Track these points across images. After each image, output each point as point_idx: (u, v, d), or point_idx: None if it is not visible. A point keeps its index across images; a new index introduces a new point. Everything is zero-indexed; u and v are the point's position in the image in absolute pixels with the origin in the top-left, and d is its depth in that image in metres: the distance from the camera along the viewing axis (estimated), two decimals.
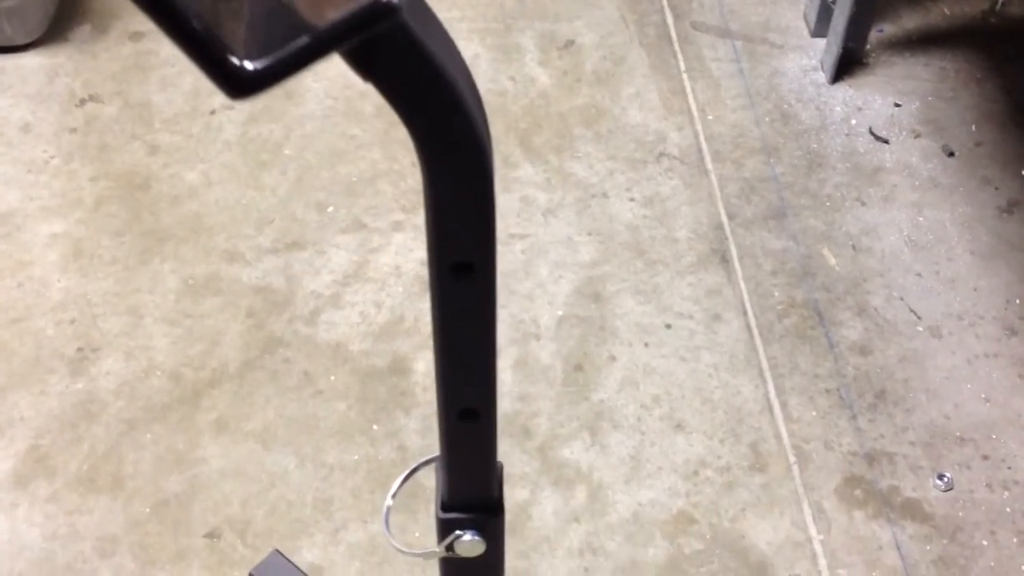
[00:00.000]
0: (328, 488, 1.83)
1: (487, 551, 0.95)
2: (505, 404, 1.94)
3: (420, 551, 0.99)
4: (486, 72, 2.46)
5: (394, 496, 1.03)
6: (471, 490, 0.92)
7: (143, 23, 2.55)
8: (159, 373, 1.96)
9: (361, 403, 1.93)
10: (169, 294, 2.07)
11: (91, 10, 2.57)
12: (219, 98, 2.38)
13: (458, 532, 0.93)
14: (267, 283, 2.09)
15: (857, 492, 1.85)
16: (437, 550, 0.96)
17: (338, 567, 1.73)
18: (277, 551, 1.70)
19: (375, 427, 1.90)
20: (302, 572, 1.67)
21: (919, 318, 2.07)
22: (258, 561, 1.70)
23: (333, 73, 2.43)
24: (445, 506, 0.94)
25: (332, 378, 1.96)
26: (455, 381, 0.82)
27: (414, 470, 1.04)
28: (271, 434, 1.89)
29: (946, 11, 2.63)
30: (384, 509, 1.02)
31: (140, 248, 2.13)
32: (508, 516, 1.86)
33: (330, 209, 2.21)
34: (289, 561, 1.69)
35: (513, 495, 1.83)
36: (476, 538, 0.94)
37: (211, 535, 1.77)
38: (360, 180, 2.26)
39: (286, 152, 2.30)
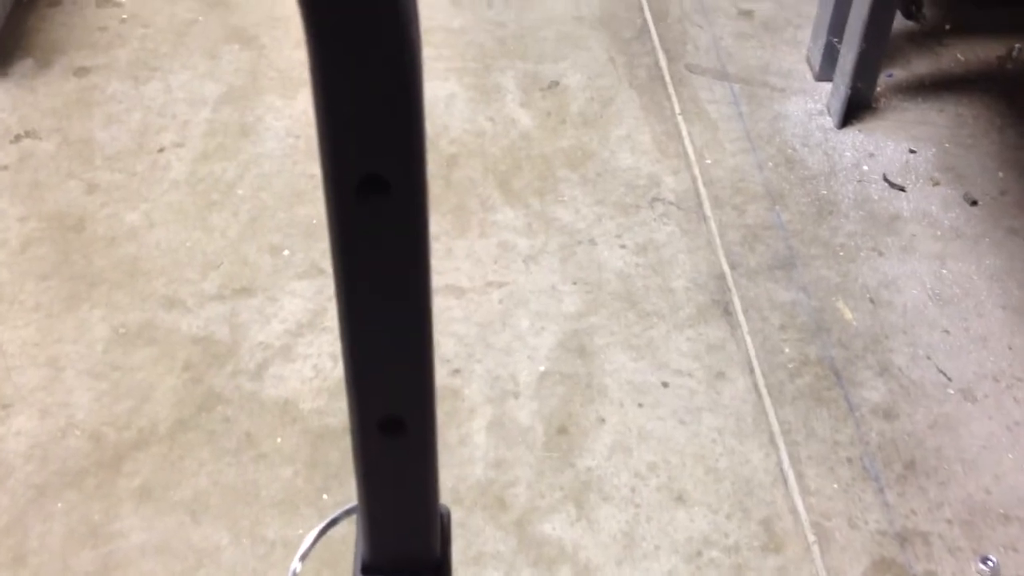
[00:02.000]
0: (266, 569, 1.55)
1: None
2: (477, 471, 1.68)
3: None
4: (463, 112, 2.24)
5: (303, 558, 0.77)
6: (401, 542, 0.66)
7: (89, 58, 2.34)
8: (77, 433, 1.69)
9: (310, 468, 1.67)
10: (96, 344, 1.81)
11: (34, 44, 2.37)
12: (169, 135, 2.16)
13: None
14: (209, 332, 1.84)
15: None
16: None
17: None
18: None
19: (325, 496, 1.63)
20: None
21: (949, 379, 1.83)
22: None
23: (296, 111, 2.22)
24: (367, 567, 0.68)
25: (278, 440, 1.70)
26: (370, 374, 0.57)
27: (333, 521, 0.79)
28: (202, 504, 1.62)
29: (959, 56, 2.44)
30: (290, 572, 0.76)
31: (67, 293, 1.88)
32: None
33: (286, 253, 1.97)
34: None
35: None
36: None
37: None
38: (321, 222, 2.02)
39: (239, 192, 2.06)
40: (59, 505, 1.60)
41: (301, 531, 1.59)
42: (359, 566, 0.69)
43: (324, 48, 0.45)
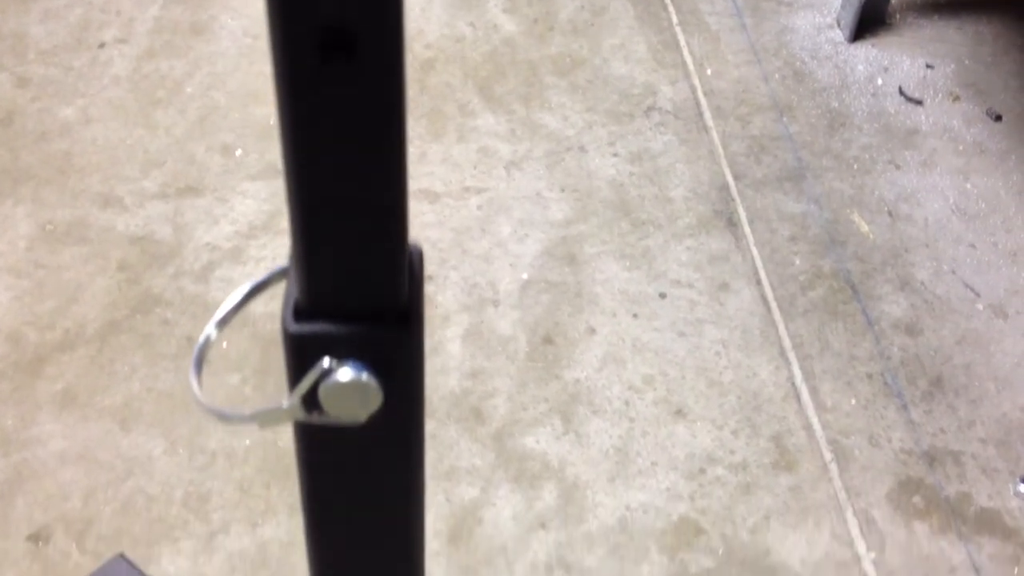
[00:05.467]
0: (206, 480, 1.34)
1: (386, 407, 0.49)
2: (451, 381, 1.48)
3: (251, 411, 0.51)
4: (440, 16, 2.05)
5: (221, 324, 0.56)
6: (350, 274, 0.46)
7: None
8: None
9: (260, 376, 1.46)
10: (19, 241, 1.60)
11: None
12: (111, 31, 1.95)
13: (325, 363, 0.47)
14: (148, 232, 1.63)
15: (916, 499, 1.39)
16: (284, 405, 0.49)
17: None
18: (121, 556, 1.21)
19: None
20: None
21: (977, 295, 1.64)
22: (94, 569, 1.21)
23: (255, 11, 2.01)
24: (300, 310, 0.48)
25: (224, 345, 1.49)
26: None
27: (264, 283, 0.57)
28: (134, 411, 1.41)
29: None
30: (199, 343, 0.55)
31: None
32: (450, 520, 1.39)
33: (238, 152, 1.76)
34: (136, 568, 1.19)
35: (458, 493, 1.35)
36: (361, 376, 0.47)
37: (36, 537, 1.27)
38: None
39: (188, 90, 1.86)
40: None
41: (248, 441, 1.38)
42: (290, 311, 0.48)
43: None
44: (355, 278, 0.47)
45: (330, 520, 0.55)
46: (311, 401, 0.49)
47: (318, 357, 0.48)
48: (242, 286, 0.54)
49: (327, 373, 0.48)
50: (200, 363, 0.55)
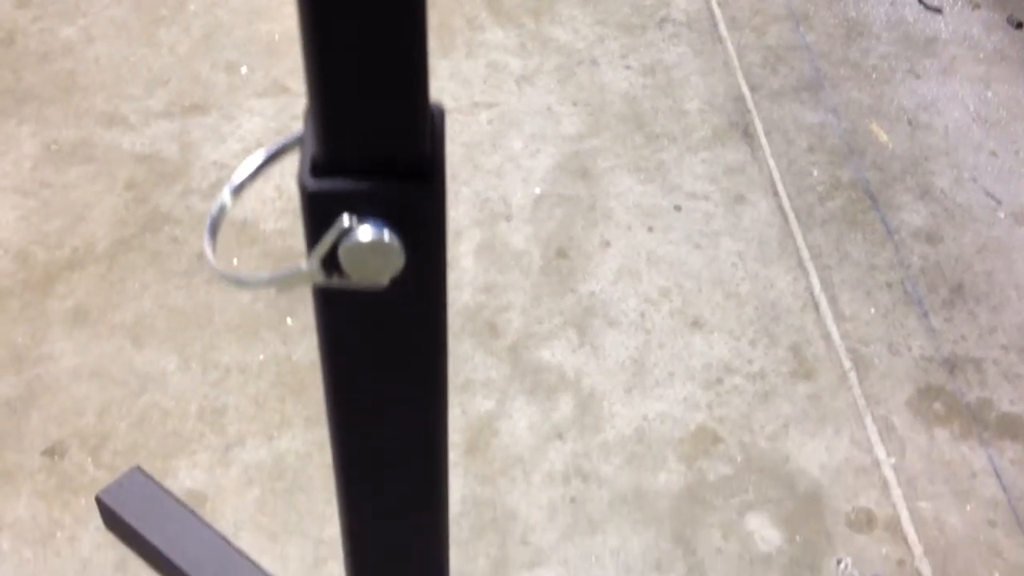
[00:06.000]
0: (220, 395, 1.33)
1: (409, 269, 0.47)
2: (465, 296, 1.46)
3: (269, 275, 0.50)
4: None
5: (236, 191, 0.54)
6: (370, 126, 0.44)
7: None
8: (1, 252, 1.46)
9: (271, 292, 1.44)
10: (24, 161, 1.58)
11: None
12: None
13: (345, 221, 0.45)
14: (155, 151, 1.60)
15: (936, 406, 1.38)
16: (303, 267, 0.47)
17: (228, 494, 1.23)
18: (138, 468, 1.20)
19: (289, 321, 1.41)
20: (170, 495, 1.17)
21: (999, 202, 1.61)
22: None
23: None
24: (318, 166, 0.46)
25: (235, 262, 1.47)
26: None
27: (283, 148, 0.55)
28: (146, 328, 1.39)
29: None
30: (213, 210, 0.53)
31: None
32: (467, 432, 1.38)
33: (244, 70, 1.73)
34: (152, 481, 1.19)
35: (474, 405, 1.34)
36: (383, 235, 0.45)
37: (52, 452, 1.26)
38: (284, 39, 1.78)
39: (191, 8, 1.82)
40: None
41: (262, 356, 1.37)
42: (307, 168, 0.46)
43: None
44: (375, 131, 0.45)
45: (352, 393, 0.53)
46: (331, 264, 0.47)
47: (337, 215, 0.46)
48: (257, 152, 0.52)
49: (347, 232, 0.46)
50: (215, 230, 0.53)
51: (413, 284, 0.48)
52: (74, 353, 1.36)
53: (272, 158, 0.54)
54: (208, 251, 0.51)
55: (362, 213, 0.46)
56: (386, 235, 0.45)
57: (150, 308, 1.42)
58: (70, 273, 1.44)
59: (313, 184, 0.45)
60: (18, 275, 1.44)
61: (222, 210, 0.54)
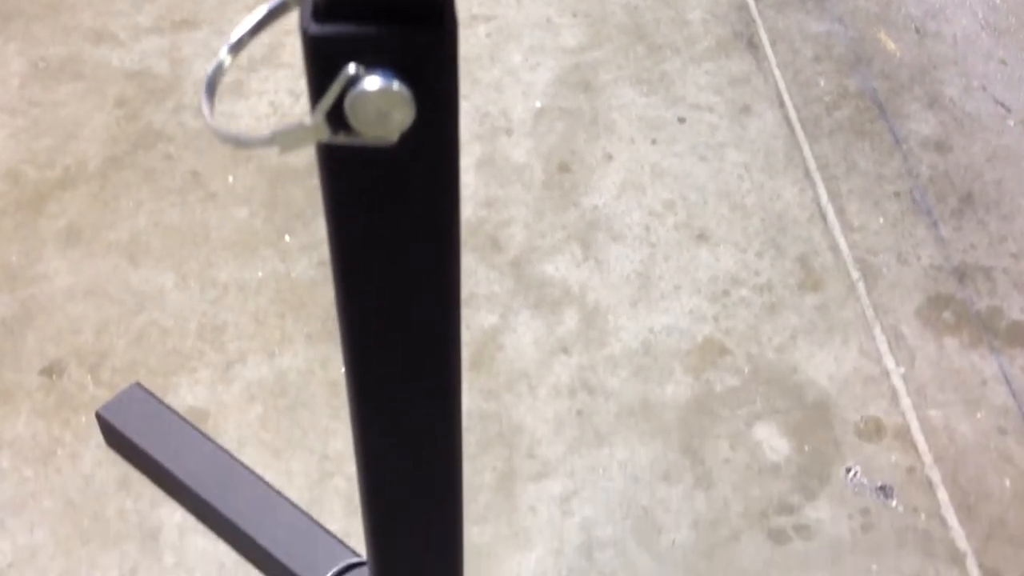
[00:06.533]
0: (220, 313, 1.31)
1: (419, 123, 0.44)
2: (466, 211, 1.43)
3: (271, 133, 0.47)
4: None
5: (234, 48, 0.51)
6: None
7: None
8: None
9: (269, 209, 1.42)
10: (11, 79, 1.54)
11: None
12: None
13: (351, 69, 0.42)
14: (145, 67, 1.56)
15: (946, 315, 1.36)
16: (305, 123, 0.45)
17: (230, 411, 1.22)
18: (138, 384, 1.18)
19: (288, 238, 1.38)
20: (172, 411, 1.16)
21: (1008, 110, 1.58)
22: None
23: None
24: (321, 9, 0.42)
25: (230, 179, 1.44)
26: None
27: (283, 2, 0.52)
28: (142, 246, 1.37)
29: None
30: (211, 68, 0.50)
31: None
32: (471, 346, 1.36)
33: None
34: (153, 397, 1.17)
35: (477, 320, 1.32)
36: (392, 85, 0.42)
37: (50, 371, 1.24)
38: None
39: None
40: None
41: (260, 273, 1.35)
42: (309, 11, 0.43)
43: None
44: None
45: (360, 263, 0.51)
46: (337, 118, 0.44)
47: (343, 63, 0.43)
48: (257, 9, 0.49)
49: (354, 81, 0.43)
50: (213, 89, 0.50)
51: (425, 140, 0.45)
52: (69, 272, 1.33)
53: (272, 15, 0.51)
54: (206, 111, 0.48)
55: (370, 62, 0.43)
56: (396, 85, 0.43)
57: (145, 226, 1.39)
58: (62, 192, 1.41)
59: (316, 28, 0.42)
60: (10, 195, 1.41)
61: (219, 69, 0.51)
